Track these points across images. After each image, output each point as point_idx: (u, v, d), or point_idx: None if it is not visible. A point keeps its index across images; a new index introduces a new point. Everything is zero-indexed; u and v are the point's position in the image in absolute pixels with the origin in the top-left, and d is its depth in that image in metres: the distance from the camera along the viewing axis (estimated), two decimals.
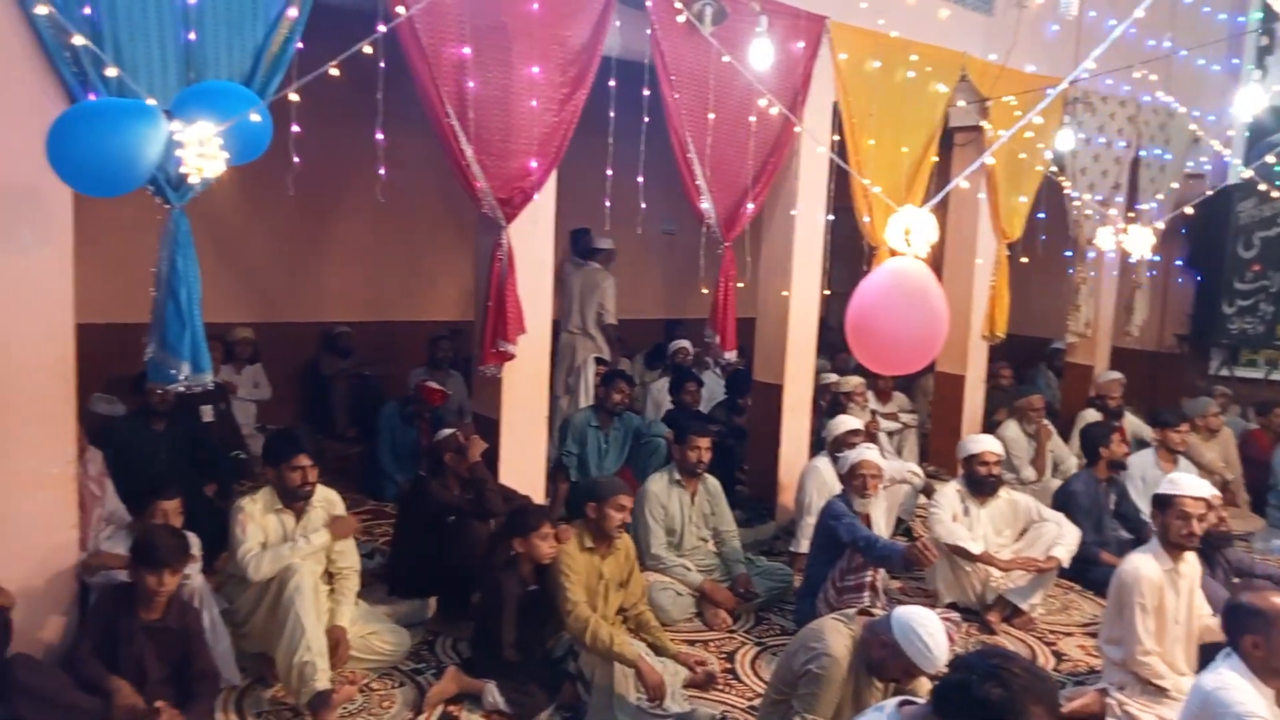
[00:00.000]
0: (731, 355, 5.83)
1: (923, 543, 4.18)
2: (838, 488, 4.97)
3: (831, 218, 6.10)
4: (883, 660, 3.14)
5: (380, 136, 4.08)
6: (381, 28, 3.74)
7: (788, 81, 5.59)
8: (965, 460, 5.24)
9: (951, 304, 3.47)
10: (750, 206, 5.58)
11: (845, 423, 5.64)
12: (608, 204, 4.92)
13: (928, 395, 8.03)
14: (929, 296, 3.14)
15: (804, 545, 5.26)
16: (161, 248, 3.57)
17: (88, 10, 3.33)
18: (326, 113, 3.83)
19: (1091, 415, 7.11)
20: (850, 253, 6.41)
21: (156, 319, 3.64)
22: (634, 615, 4.21)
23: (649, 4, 4.90)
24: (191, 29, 3.51)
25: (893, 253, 3.36)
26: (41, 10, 3.27)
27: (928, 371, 7.85)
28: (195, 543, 4.06)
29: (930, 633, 3.00)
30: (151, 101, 2.98)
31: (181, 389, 3.74)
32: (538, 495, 5.04)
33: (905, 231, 3.02)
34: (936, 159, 6.54)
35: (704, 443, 5.04)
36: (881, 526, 4.94)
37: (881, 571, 4.54)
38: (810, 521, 5.14)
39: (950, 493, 5.19)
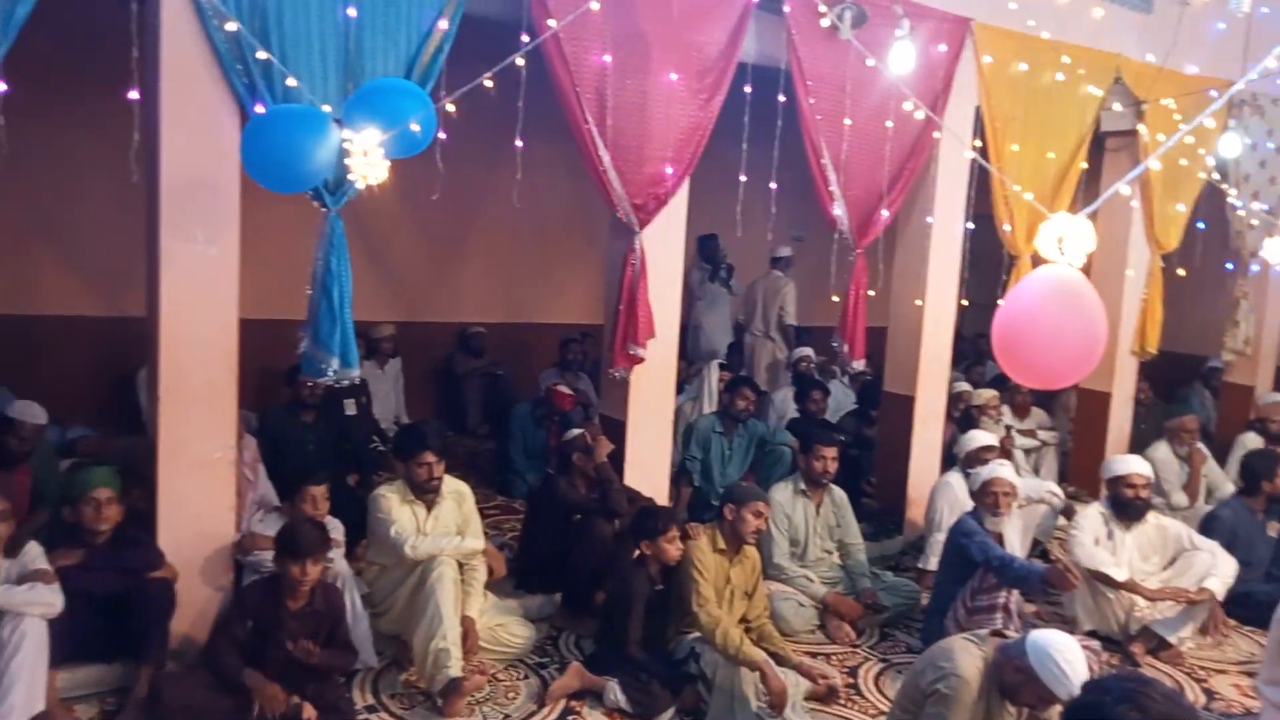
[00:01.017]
0: (860, 364, 5.75)
1: (1064, 564, 4.00)
2: (969, 504, 4.82)
3: (971, 226, 5.91)
4: (1016, 685, 3.02)
5: (519, 143, 4.22)
6: (525, 39, 3.88)
7: (928, 85, 5.46)
8: (1110, 482, 4.98)
9: None
10: (885, 213, 5.48)
11: (978, 438, 5.47)
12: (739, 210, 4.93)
13: (1069, 412, 7.67)
14: (1087, 306, 2.99)
15: (932, 562, 5.13)
16: (317, 249, 3.79)
17: (259, 26, 3.58)
18: (468, 120, 3.98)
19: (1252, 440, 6.63)
20: (988, 262, 6.20)
21: (310, 315, 3.86)
22: (756, 627, 4.20)
23: (787, 9, 4.88)
24: (350, 41, 3.72)
25: (1034, 262, 3.23)
26: (230, 27, 3.53)
27: (1070, 387, 7.50)
28: (339, 528, 4.28)
29: (1068, 659, 2.88)
30: (326, 108, 3.18)
31: (331, 382, 3.95)
32: (661, 498, 5.08)
33: (1058, 240, 2.89)
34: (1085, 165, 6.24)
35: (830, 452, 4.97)
36: (1016, 546, 4.76)
37: (1015, 593, 4.37)
38: (940, 538, 5.00)
39: (1093, 515, 4.94)
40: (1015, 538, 4.87)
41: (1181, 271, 6.94)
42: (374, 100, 3.14)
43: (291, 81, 3.52)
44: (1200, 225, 7.02)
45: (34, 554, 3.47)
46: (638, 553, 4.08)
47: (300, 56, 3.63)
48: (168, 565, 3.80)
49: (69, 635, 3.48)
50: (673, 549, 4.03)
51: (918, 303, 5.91)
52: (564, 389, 6.58)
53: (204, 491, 3.93)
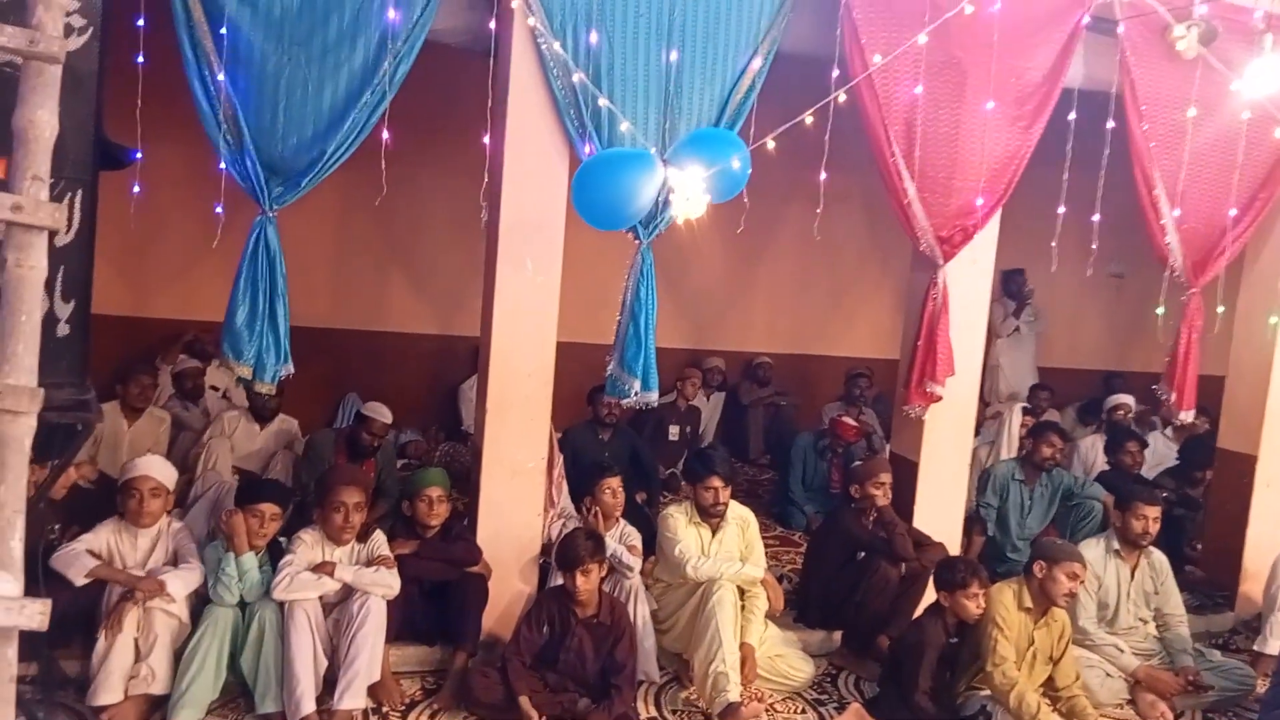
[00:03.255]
0: (1188, 415, 5.19)
1: None
2: None
3: None
4: None
5: (824, 175, 4.24)
6: (836, 73, 3.90)
7: None
8: None
9: None
10: (1229, 249, 4.92)
11: None
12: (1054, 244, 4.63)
13: None
14: None
15: (1272, 646, 4.59)
16: (629, 277, 4.03)
17: (593, 73, 3.89)
18: (765, 153, 4.07)
19: None
20: None
21: (618, 339, 4.11)
22: (1066, 699, 3.90)
23: (1121, 30, 4.54)
24: (671, 83, 3.95)
25: None
26: (577, 78, 3.85)
27: None
28: (637, 535, 4.46)
29: None
30: (653, 150, 3.40)
31: (631, 404, 4.17)
32: (952, 546, 4.84)
33: None
34: None
35: (1153, 512, 4.51)
36: None
37: None
38: None
39: None
40: None
41: None
42: (697, 145, 3.30)
43: (625, 126, 3.79)
44: None
45: (379, 541, 3.96)
46: (934, 601, 3.93)
47: (628, 100, 3.90)
48: (483, 562, 4.17)
49: (401, 616, 3.92)
50: (973, 605, 3.83)
51: (1265, 350, 5.22)
52: (849, 420, 6.50)
53: (518, 497, 4.27)
